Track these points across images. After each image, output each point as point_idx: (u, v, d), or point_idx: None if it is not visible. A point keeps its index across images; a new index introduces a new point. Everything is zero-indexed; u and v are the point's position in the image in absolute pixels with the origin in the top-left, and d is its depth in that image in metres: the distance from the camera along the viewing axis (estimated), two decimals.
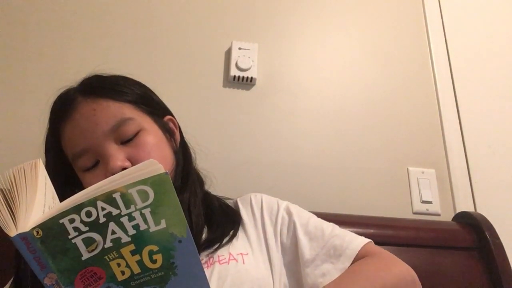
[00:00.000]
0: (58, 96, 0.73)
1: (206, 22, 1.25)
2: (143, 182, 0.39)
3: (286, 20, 1.29)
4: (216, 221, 0.73)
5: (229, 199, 0.83)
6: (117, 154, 0.65)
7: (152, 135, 0.70)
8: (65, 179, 0.70)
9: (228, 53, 1.21)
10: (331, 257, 0.68)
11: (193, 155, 0.83)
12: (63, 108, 0.70)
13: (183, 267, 0.43)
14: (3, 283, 0.68)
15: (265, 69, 1.22)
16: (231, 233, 0.71)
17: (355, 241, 0.69)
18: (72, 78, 0.74)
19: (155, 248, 0.41)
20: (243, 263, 0.66)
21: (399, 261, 0.67)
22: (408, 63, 1.30)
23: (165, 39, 1.21)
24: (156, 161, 0.40)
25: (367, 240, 0.70)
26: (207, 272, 0.63)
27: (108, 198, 0.39)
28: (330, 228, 0.73)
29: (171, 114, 0.82)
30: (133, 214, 0.40)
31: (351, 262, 0.67)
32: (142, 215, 0.40)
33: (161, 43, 1.21)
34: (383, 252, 0.70)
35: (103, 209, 0.39)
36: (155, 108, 0.76)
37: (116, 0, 1.23)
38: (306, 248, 0.70)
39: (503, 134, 1.25)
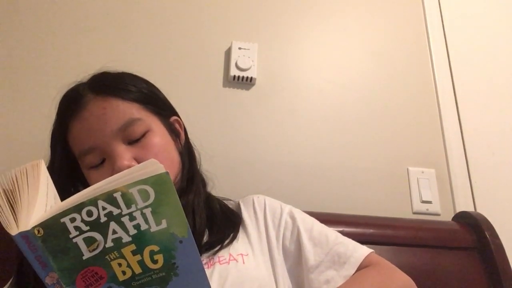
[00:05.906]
0: (67, 91, 0.72)
1: (206, 22, 1.25)
2: (144, 181, 0.39)
3: (286, 20, 1.29)
4: (217, 224, 0.73)
5: (229, 200, 0.83)
6: (124, 154, 0.66)
7: (159, 136, 0.70)
8: (70, 174, 0.70)
9: (228, 53, 1.21)
10: (335, 264, 0.69)
11: (197, 156, 0.83)
12: (73, 104, 0.69)
13: (184, 268, 0.43)
14: (2, 283, 0.68)
15: (265, 69, 1.22)
16: (231, 235, 0.71)
17: (359, 250, 0.70)
18: (72, 79, 0.74)
19: (156, 248, 0.41)
20: (243, 263, 0.66)
21: (401, 272, 0.69)
22: (408, 63, 1.30)
23: (165, 39, 1.21)
24: (157, 161, 0.40)
25: (370, 250, 0.71)
26: (207, 272, 0.63)
27: (109, 197, 0.39)
28: (334, 235, 0.73)
29: (177, 115, 0.82)
30: (134, 214, 0.40)
31: (355, 270, 0.68)
32: (143, 214, 0.40)
33: (161, 43, 1.21)
34: (386, 262, 0.71)
35: (104, 208, 0.39)
36: (162, 108, 0.76)
37: (116, 1, 1.23)
38: (311, 254, 0.70)
39: (503, 134, 1.25)
